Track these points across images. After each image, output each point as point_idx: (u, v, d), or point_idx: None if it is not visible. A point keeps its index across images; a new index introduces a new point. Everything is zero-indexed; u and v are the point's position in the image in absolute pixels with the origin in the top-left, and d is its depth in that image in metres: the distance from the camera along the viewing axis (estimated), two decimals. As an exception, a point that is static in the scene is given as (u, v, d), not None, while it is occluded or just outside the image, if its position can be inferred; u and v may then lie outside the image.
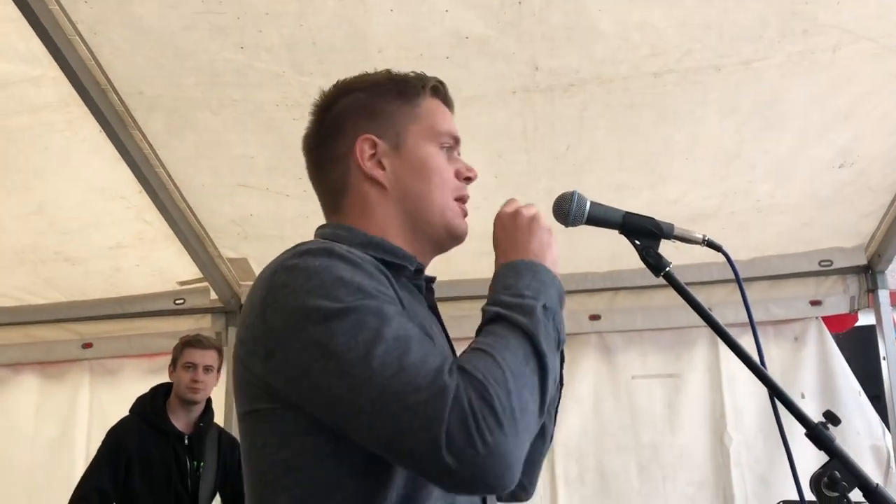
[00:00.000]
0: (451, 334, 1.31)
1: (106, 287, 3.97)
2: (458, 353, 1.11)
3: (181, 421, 3.39)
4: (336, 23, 2.59)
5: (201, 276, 3.88)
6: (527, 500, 1.39)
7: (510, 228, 1.22)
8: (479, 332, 1.09)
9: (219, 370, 3.47)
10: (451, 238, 1.30)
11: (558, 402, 1.39)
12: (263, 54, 2.70)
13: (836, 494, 1.09)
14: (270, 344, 1.07)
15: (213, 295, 4.01)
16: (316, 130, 1.33)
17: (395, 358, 0.99)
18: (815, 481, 1.13)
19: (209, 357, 3.39)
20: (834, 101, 2.91)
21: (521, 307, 1.08)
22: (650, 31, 2.61)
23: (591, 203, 1.28)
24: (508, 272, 1.15)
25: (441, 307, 1.33)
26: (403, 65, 2.66)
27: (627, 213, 1.29)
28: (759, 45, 2.66)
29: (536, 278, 1.13)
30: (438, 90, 1.34)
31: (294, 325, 1.04)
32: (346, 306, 1.03)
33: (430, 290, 1.31)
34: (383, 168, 1.26)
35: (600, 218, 1.28)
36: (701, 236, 1.31)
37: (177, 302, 4.04)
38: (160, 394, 3.42)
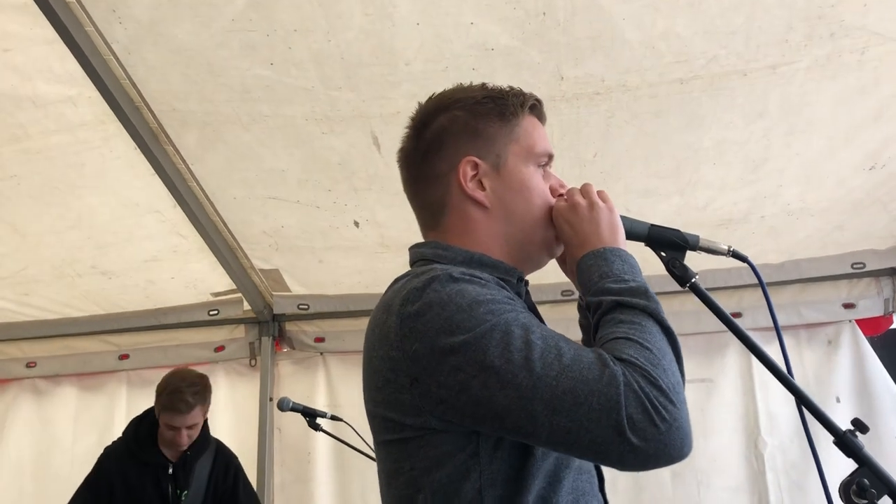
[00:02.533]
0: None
1: (141, 299, 4.05)
2: None
3: (169, 448, 3.35)
4: (363, 37, 2.63)
5: (234, 287, 3.95)
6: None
7: (574, 222, 1.26)
8: (599, 322, 1.16)
9: (204, 412, 3.35)
10: (547, 254, 1.35)
11: None
12: (293, 70, 2.74)
13: (865, 502, 1.10)
14: (415, 371, 1.11)
15: (246, 306, 4.08)
16: (414, 146, 1.35)
17: (553, 359, 1.06)
18: (845, 489, 1.13)
19: (190, 419, 3.26)
20: (863, 104, 2.89)
21: (631, 290, 1.16)
22: (675, 40, 2.61)
23: (618, 216, 1.30)
24: (598, 261, 1.21)
25: None
26: (430, 77, 2.73)
27: (653, 225, 1.31)
28: (786, 49, 2.65)
29: (626, 262, 1.21)
30: (535, 108, 1.38)
31: (440, 350, 1.09)
32: (490, 323, 1.09)
33: (527, 294, 1.36)
34: (484, 188, 1.30)
35: (626, 230, 1.30)
36: (726, 247, 1.32)
37: (211, 313, 4.11)
38: (148, 420, 3.39)
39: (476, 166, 1.29)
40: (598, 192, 1.30)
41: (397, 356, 1.13)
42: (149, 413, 3.42)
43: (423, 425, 1.13)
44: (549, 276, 1.50)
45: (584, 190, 1.30)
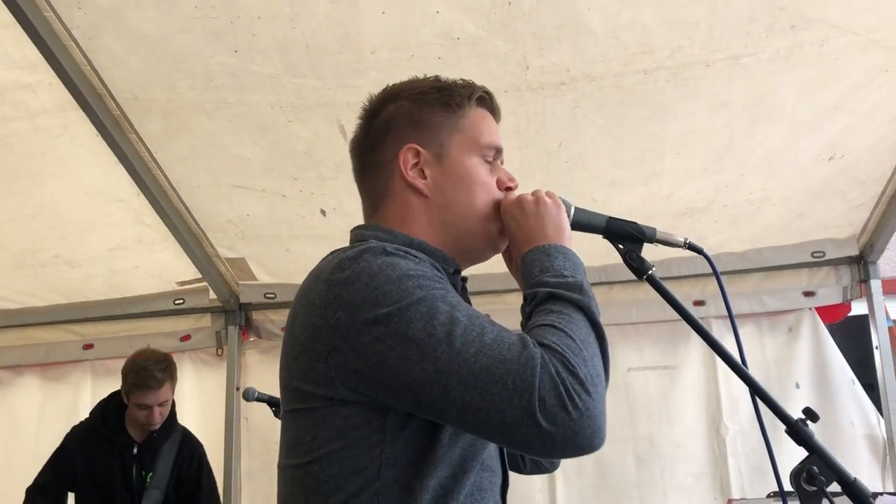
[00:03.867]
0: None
1: (106, 289, 4.00)
2: None
3: (136, 429, 3.37)
4: (328, 25, 2.61)
5: (200, 276, 3.92)
6: (553, 471, 1.49)
7: (520, 218, 1.28)
8: (532, 312, 1.17)
9: (173, 388, 3.39)
10: (489, 248, 1.35)
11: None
12: (257, 57, 2.72)
13: (814, 489, 1.13)
14: (335, 339, 1.11)
15: (212, 295, 4.05)
16: (364, 135, 1.37)
17: (475, 337, 1.07)
18: (795, 476, 1.16)
19: (162, 394, 3.30)
20: (823, 95, 2.94)
21: (567, 285, 1.16)
22: (640, 30, 2.63)
23: (576, 209, 1.32)
24: (540, 256, 1.22)
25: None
26: (396, 66, 2.72)
27: (611, 218, 1.33)
28: (748, 40, 2.69)
29: (568, 259, 1.21)
30: (484, 100, 1.38)
31: (363, 320, 1.09)
32: (417, 296, 1.09)
33: (464, 289, 1.36)
34: (425, 177, 1.30)
35: (584, 223, 1.32)
36: (682, 239, 1.34)
37: (176, 302, 4.07)
38: (115, 401, 3.41)
39: (417, 154, 1.30)
40: (547, 193, 1.31)
41: (319, 323, 1.13)
42: (115, 395, 3.43)
43: (333, 396, 1.13)
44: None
45: (534, 191, 1.31)
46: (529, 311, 1.18)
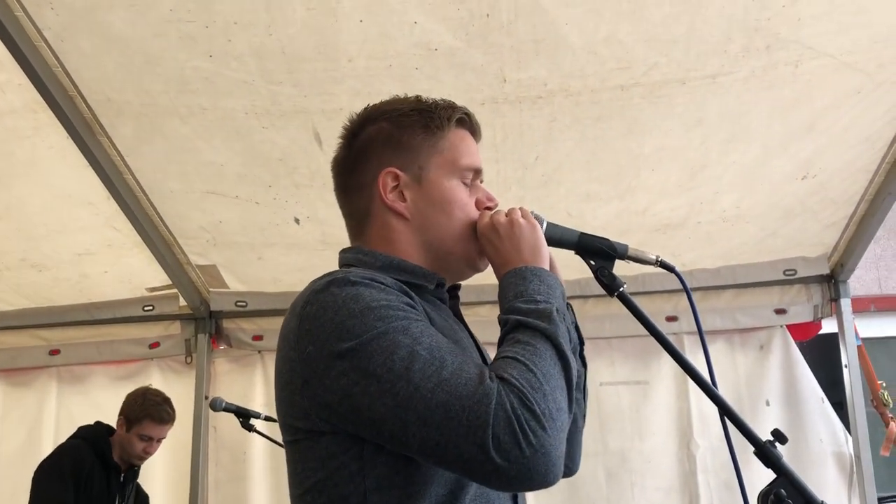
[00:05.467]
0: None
1: (74, 294, 3.94)
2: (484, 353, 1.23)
3: (119, 459, 3.50)
4: (306, 32, 2.59)
5: (170, 282, 3.86)
6: (571, 475, 1.47)
7: (495, 241, 1.28)
8: (501, 340, 1.17)
9: None
10: (469, 268, 1.36)
11: (585, 380, 1.48)
12: (232, 63, 2.69)
13: (782, 511, 1.12)
14: (306, 373, 1.14)
15: (183, 302, 4.00)
16: (344, 156, 1.38)
17: (433, 372, 1.07)
18: (763, 498, 1.16)
19: (167, 430, 3.49)
20: (796, 115, 2.96)
21: (537, 312, 1.16)
22: (617, 46, 2.64)
23: (548, 224, 1.31)
24: (515, 280, 1.22)
25: (465, 312, 1.39)
26: (373, 75, 2.71)
27: (583, 233, 1.32)
28: (724, 59, 2.70)
29: (543, 282, 1.21)
30: (464, 121, 1.38)
31: (329, 354, 1.11)
32: (378, 331, 1.10)
33: (456, 297, 1.38)
34: (405, 200, 1.31)
35: (556, 238, 1.31)
36: (654, 257, 1.34)
37: (146, 308, 4.01)
38: (103, 428, 3.52)
39: (396, 177, 1.31)
40: (521, 211, 1.31)
41: (294, 356, 1.16)
42: (99, 423, 3.53)
43: (312, 428, 1.16)
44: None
45: (509, 210, 1.31)
46: (501, 337, 1.19)
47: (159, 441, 3.49)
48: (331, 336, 1.11)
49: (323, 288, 1.16)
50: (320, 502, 1.16)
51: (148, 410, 3.41)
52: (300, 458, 1.19)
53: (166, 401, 3.51)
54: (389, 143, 1.32)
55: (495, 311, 1.22)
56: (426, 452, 1.07)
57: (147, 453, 3.47)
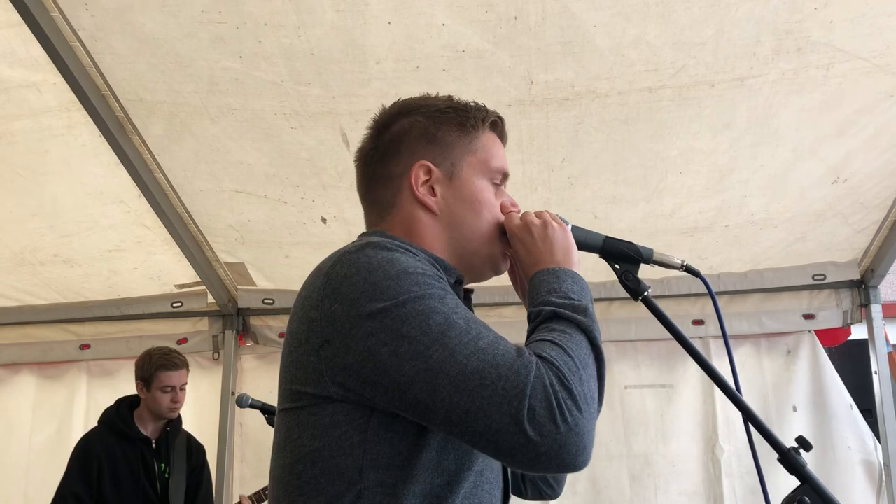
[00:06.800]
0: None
1: (104, 289, 4.00)
2: None
3: (149, 428, 3.52)
4: (334, 34, 2.61)
5: (199, 279, 3.91)
6: (554, 498, 1.47)
7: (527, 241, 1.28)
8: (534, 328, 1.16)
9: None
10: (491, 269, 1.35)
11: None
12: (262, 64, 2.72)
13: (805, 519, 1.11)
14: (328, 332, 1.11)
15: (210, 299, 4.05)
16: (373, 146, 1.36)
17: (471, 339, 1.06)
18: (786, 505, 1.15)
19: (184, 375, 3.52)
20: (827, 118, 2.93)
21: (573, 307, 1.15)
22: (645, 48, 2.63)
23: (573, 227, 1.31)
24: (549, 278, 1.21)
25: (489, 313, 1.39)
26: (400, 77, 2.72)
27: (608, 237, 1.32)
28: (754, 62, 2.68)
29: (576, 283, 1.21)
30: (497, 125, 1.39)
31: (357, 314, 1.09)
32: (414, 294, 1.08)
33: (468, 300, 1.36)
34: (435, 195, 1.31)
35: (581, 242, 1.31)
36: (680, 261, 1.33)
37: (174, 305, 4.07)
38: (125, 405, 3.54)
39: (429, 171, 1.31)
40: (552, 215, 1.31)
41: (315, 316, 1.13)
42: (122, 400, 3.56)
43: (321, 393, 1.12)
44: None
45: (539, 212, 1.31)
46: (532, 327, 1.17)
47: (182, 389, 3.50)
48: (362, 296, 1.09)
49: (357, 249, 1.15)
50: (311, 473, 1.12)
51: (157, 362, 3.45)
52: (297, 424, 1.15)
53: (172, 350, 3.57)
54: (424, 137, 1.31)
55: (520, 313, 1.21)
56: (452, 420, 1.03)
57: (176, 403, 3.48)
